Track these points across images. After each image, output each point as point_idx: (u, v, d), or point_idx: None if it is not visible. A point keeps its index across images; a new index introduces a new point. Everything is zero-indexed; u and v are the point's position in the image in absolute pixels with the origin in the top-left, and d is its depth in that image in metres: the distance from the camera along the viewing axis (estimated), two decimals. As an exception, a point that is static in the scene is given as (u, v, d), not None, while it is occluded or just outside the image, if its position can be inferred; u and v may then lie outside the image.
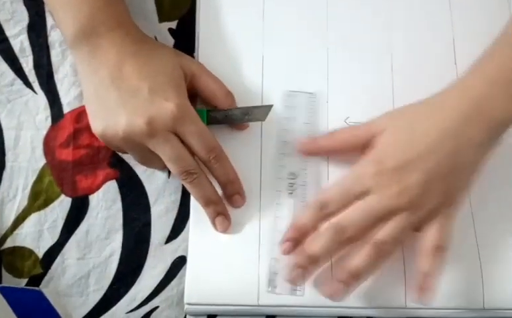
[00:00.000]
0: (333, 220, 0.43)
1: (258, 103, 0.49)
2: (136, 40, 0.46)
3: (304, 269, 0.43)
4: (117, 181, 0.48)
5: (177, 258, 0.47)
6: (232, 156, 0.46)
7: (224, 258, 0.46)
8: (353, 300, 0.45)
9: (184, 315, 0.46)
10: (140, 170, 0.49)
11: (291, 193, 0.47)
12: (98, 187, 0.48)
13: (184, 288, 0.46)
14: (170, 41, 0.52)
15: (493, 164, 0.49)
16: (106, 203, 0.48)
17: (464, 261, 0.47)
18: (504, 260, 0.47)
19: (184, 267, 0.47)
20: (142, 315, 0.46)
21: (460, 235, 0.47)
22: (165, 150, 0.43)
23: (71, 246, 0.47)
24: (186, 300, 0.45)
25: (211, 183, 0.46)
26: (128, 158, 0.49)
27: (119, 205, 0.48)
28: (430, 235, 0.43)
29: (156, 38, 0.51)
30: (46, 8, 0.51)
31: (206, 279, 0.45)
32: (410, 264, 0.46)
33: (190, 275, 0.46)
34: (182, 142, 0.44)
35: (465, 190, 0.45)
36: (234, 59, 0.51)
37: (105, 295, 0.46)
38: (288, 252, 0.45)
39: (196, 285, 0.45)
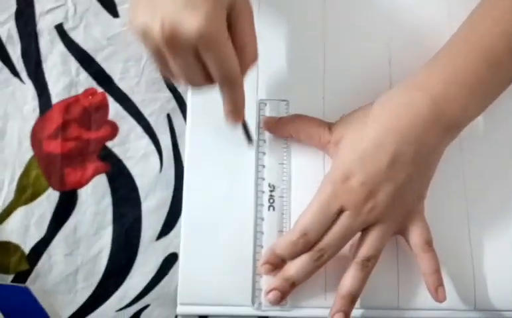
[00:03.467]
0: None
1: (253, 98, 0.48)
2: None
3: (282, 291, 0.43)
4: (107, 174, 0.47)
5: (168, 254, 0.46)
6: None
7: (217, 256, 0.45)
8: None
9: (175, 315, 0.45)
10: (131, 164, 0.47)
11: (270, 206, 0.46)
12: (87, 181, 0.47)
13: (176, 286, 0.45)
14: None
15: (490, 164, 0.49)
16: (95, 197, 0.47)
17: (457, 261, 0.47)
18: (497, 260, 0.47)
19: (175, 265, 0.46)
20: (132, 313, 0.45)
21: (454, 235, 0.47)
22: (177, 63, 0.37)
23: (59, 242, 0.46)
24: (179, 300, 0.44)
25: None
26: (119, 151, 0.47)
27: (108, 200, 0.47)
28: (414, 235, 0.44)
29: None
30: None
31: (199, 278, 0.44)
32: (403, 264, 0.46)
33: (183, 274, 0.45)
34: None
35: (428, 184, 0.45)
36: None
37: (94, 292, 0.45)
38: (267, 273, 0.44)
39: (189, 284, 0.44)
